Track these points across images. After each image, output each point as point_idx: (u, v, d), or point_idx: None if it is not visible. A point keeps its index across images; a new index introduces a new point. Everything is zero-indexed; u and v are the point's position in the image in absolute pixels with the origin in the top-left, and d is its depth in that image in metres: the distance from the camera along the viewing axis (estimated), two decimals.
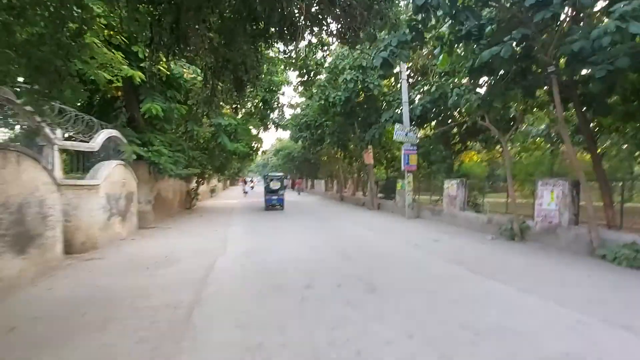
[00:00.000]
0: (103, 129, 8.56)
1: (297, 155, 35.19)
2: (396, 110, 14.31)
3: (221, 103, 11.49)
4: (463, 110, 9.27)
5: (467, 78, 9.16)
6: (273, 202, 17.52)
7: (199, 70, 9.28)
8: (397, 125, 13.21)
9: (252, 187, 37.81)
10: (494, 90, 8.35)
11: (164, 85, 10.44)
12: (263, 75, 10.31)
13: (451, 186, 11.71)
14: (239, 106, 14.43)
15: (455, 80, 10.86)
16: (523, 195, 10.87)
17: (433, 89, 12.83)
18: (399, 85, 15.63)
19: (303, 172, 41.00)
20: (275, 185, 17.49)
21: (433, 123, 15.07)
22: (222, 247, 8.01)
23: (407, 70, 13.62)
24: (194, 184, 18.51)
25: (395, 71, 13.98)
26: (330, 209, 18.37)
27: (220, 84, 5.92)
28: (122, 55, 8.12)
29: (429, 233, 10.04)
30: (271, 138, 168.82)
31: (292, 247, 7.94)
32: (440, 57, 8.69)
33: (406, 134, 13.23)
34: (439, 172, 13.09)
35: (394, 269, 6.04)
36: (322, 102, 15.68)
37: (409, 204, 13.39)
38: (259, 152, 18.39)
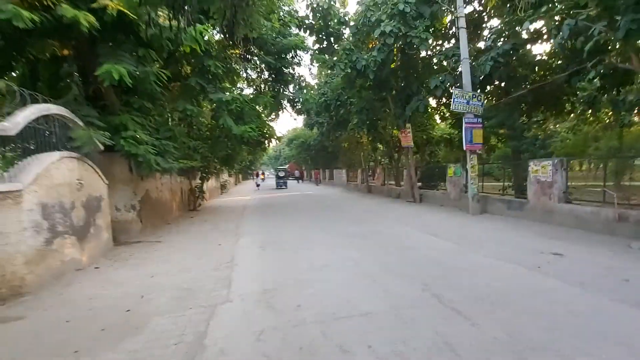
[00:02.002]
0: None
1: (314, 143, 32.05)
2: (439, 77, 10.91)
3: (216, 64, 8.45)
4: (585, 49, 5.93)
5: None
6: (280, 185, 29.92)
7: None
8: (455, 91, 9.87)
9: (263, 180, 38.77)
10: None
11: (129, 37, 7.37)
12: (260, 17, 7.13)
13: (542, 169, 8.40)
14: (239, 71, 11.24)
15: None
16: None
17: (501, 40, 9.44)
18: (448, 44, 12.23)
19: (319, 162, 37.83)
20: (281, 174, 30.60)
21: (489, 88, 11.68)
22: (225, 281, 5.03)
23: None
24: (198, 181, 15.65)
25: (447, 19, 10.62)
26: (361, 204, 15.24)
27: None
28: None
29: (527, 240, 6.83)
30: (284, 126, 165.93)
31: (337, 280, 4.88)
32: None
33: (468, 102, 9.90)
34: (522, 151, 9.71)
35: (569, 338, 2.91)
36: (348, 70, 12.41)
37: (474, 195, 10.13)
38: (273, 139, 15.23)
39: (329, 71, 15.84)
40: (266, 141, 15.72)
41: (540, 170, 8.46)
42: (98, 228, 6.80)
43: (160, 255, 6.82)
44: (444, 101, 14.05)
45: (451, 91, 10.17)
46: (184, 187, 14.30)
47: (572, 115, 11.27)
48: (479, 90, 10.16)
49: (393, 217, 10.60)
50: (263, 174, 45.91)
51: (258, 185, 32.27)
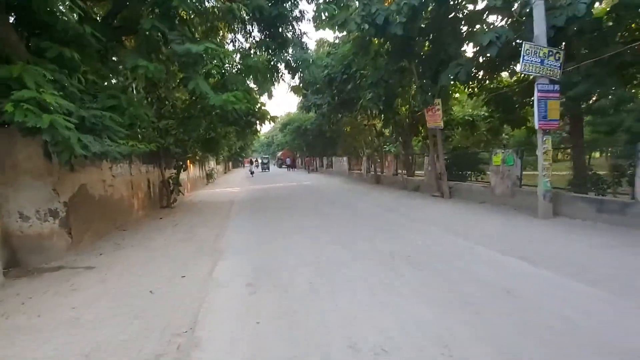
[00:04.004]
0: None
1: (310, 127, 29.01)
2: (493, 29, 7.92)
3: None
4: None
5: None
6: (264, 168, 42.96)
7: None
8: (526, 45, 6.96)
9: (257, 166, 43.79)
10: None
11: None
12: None
13: None
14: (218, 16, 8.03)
15: None
16: None
17: None
18: None
19: (316, 149, 34.79)
20: (265, 161, 44.98)
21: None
22: None
23: None
24: (174, 171, 12.60)
25: None
26: (374, 199, 12.43)
27: None
28: None
29: None
30: (278, 109, 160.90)
31: None
32: None
33: (542, 61, 7.02)
34: (621, 130, 6.88)
35: None
36: (365, 27, 9.37)
37: (546, 193, 7.33)
38: (266, 121, 12.24)
39: (337, 33, 12.77)
40: (257, 122, 12.74)
41: None
42: None
43: (76, 303, 3.91)
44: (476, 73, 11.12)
45: (517, 49, 7.26)
46: (153, 179, 11.26)
47: None
48: (554, 47, 7.25)
49: (430, 221, 7.81)
50: (256, 160, 48.73)
51: (252, 173, 32.65)
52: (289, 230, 7.49)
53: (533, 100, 7.37)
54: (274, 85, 10.79)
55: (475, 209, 9.20)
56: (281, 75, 10.64)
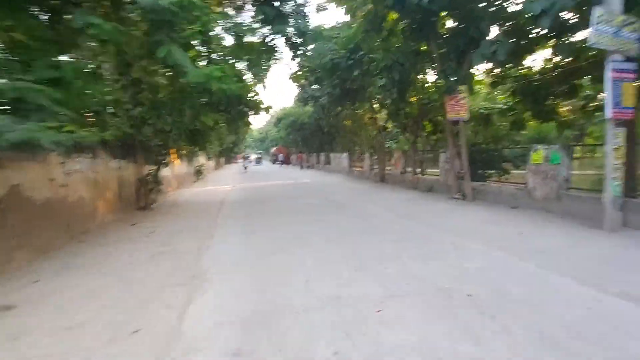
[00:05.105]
0: None
1: (307, 121, 27.38)
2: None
3: None
4: None
5: None
6: (257, 162, 47.78)
7: None
8: (598, 11, 5.43)
9: (251, 162, 42.87)
10: None
11: None
12: None
13: None
14: None
15: None
16: None
17: None
18: None
19: (313, 144, 33.12)
20: (258, 156, 52.29)
21: None
22: None
23: None
24: (154, 166, 10.86)
25: None
26: (386, 202, 10.89)
27: None
28: None
29: None
30: (273, 103, 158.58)
31: None
32: None
33: (616, 32, 5.50)
34: None
35: None
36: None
37: (616, 198, 5.83)
38: (260, 109, 10.60)
39: (344, 12, 11.11)
40: (250, 112, 11.11)
41: None
42: None
43: None
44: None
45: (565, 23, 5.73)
46: (128, 176, 9.55)
47: None
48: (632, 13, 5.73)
49: (463, 233, 6.28)
50: (249, 156, 48.22)
51: (246, 168, 31.99)
52: (289, 242, 5.92)
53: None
54: (269, 67, 9.12)
55: (512, 215, 7.70)
56: (279, 55, 8.94)
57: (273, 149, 55.12)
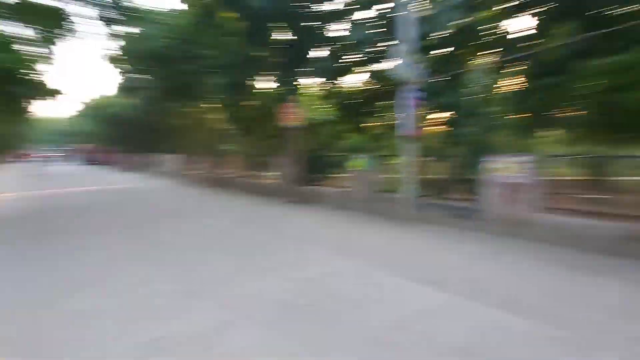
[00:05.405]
0: None
1: (132, 115, 23.51)
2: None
3: None
4: None
5: None
6: (66, 165, 36.57)
7: None
8: (401, 47, 6.62)
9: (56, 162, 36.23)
10: None
11: None
12: None
13: (510, 167, 6.29)
14: None
15: None
16: None
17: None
18: None
19: (139, 143, 28.64)
20: (64, 155, 45.00)
21: None
22: None
23: None
24: None
25: None
26: (223, 209, 10.37)
27: None
28: None
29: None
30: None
31: None
32: None
33: (411, 66, 6.87)
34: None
35: None
36: None
37: (411, 198, 7.25)
38: (45, 94, 8.22)
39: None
40: (29, 96, 8.50)
41: (505, 168, 6.34)
42: None
43: None
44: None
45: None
46: None
47: None
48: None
49: (306, 238, 6.56)
50: (43, 155, 39.72)
51: (46, 169, 26.90)
52: (98, 271, 4.69)
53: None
54: (55, 39, 7.10)
55: (343, 217, 8.61)
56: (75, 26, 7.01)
57: (88, 147, 44.50)
